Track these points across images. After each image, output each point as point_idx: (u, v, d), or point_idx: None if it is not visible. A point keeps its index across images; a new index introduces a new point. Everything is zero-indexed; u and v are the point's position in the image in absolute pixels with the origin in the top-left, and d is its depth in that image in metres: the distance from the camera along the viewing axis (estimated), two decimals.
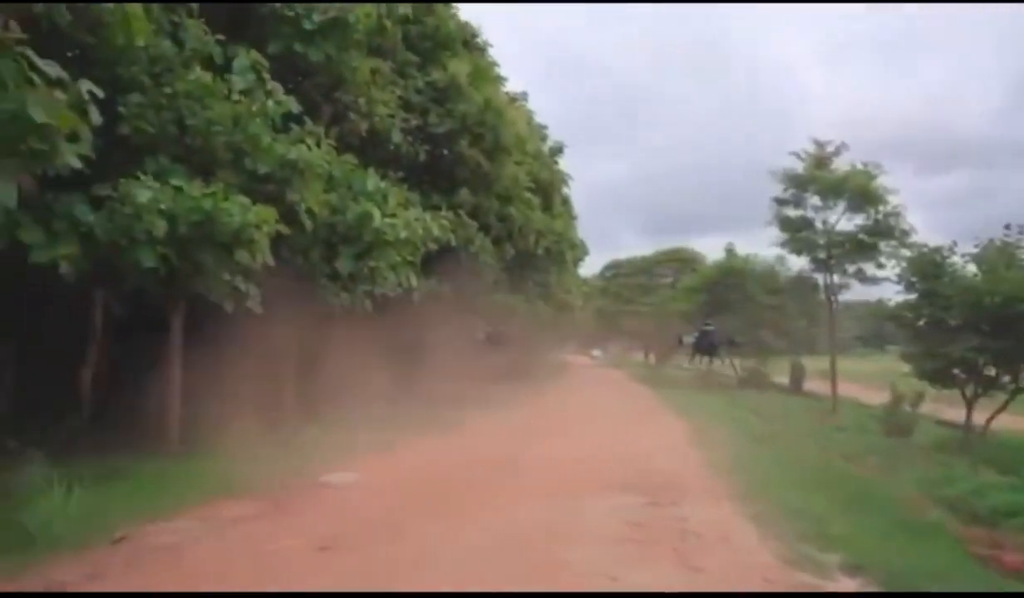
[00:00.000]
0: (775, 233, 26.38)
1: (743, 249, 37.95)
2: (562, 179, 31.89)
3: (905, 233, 23.39)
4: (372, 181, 12.19)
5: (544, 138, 30.89)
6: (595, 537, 6.61)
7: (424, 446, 11.96)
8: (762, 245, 31.52)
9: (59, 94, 5.78)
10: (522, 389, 26.36)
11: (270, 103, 10.08)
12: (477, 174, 19.32)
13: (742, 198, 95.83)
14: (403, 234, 12.23)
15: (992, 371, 15.38)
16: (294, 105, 10.55)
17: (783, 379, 32.89)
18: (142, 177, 8.19)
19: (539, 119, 29.93)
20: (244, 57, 10.35)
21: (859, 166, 24.27)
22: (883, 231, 23.76)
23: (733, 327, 32.36)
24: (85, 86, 6.15)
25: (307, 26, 11.70)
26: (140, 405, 10.19)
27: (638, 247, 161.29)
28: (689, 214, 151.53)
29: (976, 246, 15.74)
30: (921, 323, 16.59)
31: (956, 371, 15.68)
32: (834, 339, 27.69)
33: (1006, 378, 15.31)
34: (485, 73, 20.54)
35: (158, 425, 9.69)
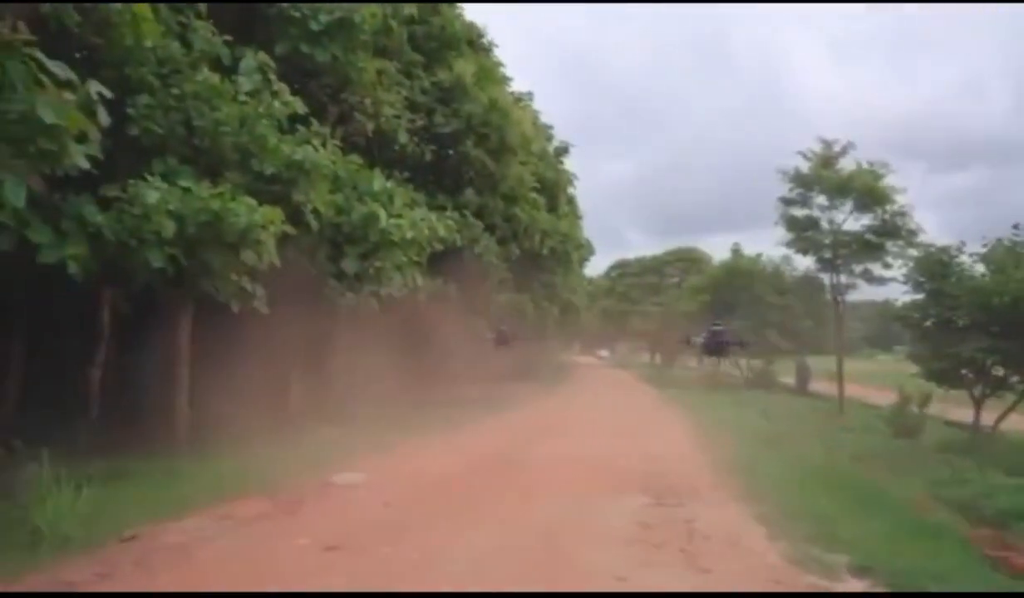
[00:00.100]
0: (781, 233, 26.24)
1: (749, 249, 37.85)
2: (567, 179, 31.90)
3: (912, 233, 23.22)
4: (378, 181, 12.22)
5: (550, 138, 30.90)
6: (603, 538, 6.61)
7: (430, 446, 11.97)
8: (768, 245, 31.46)
9: (68, 95, 5.82)
10: (528, 390, 26.38)
11: (277, 104, 10.12)
12: (482, 174, 19.35)
13: (748, 197, 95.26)
14: (409, 234, 12.25)
15: (1000, 371, 15.28)
16: (300, 106, 10.58)
17: (789, 380, 32.80)
18: (150, 178, 8.24)
19: (545, 119, 30.02)
20: (251, 58, 10.39)
21: (866, 165, 24.15)
22: (890, 231, 23.60)
23: (739, 327, 32.27)
24: (94, 87, 6.18)
25: (313, 27, 11.75)
26: (148, 404, 10.25)
27: (644, 247, 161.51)
28: (695, 213, 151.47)
29: (984, 246, 15.64)
30: (928, 323, 16.48)
31: (964, 371, 15.57)
32: (841, 339, 27.53)
33: (1015, 378, 15.21)
34: (490, 73, 20.57)
35: (166, 424, 9.73)
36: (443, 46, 18.78)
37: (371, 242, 11.81)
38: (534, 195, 23.86)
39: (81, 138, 6.07)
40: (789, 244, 26.43)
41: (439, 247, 14.29)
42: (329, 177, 11.00)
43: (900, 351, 35.41)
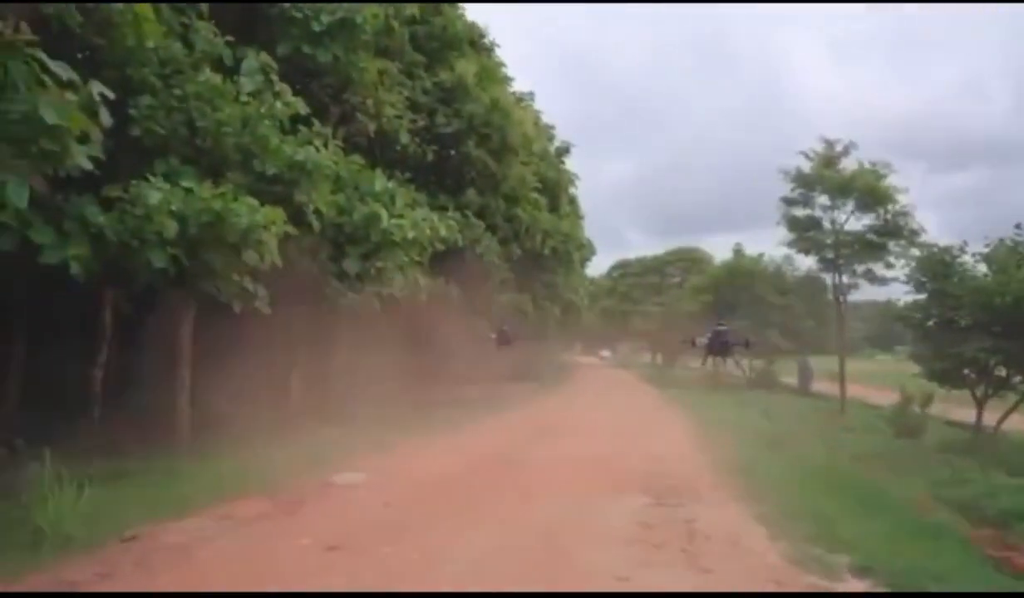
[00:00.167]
0: (783, 233, 26.28)
1: (751, 249, 37.87)
2: (569, 179, 31.89)
3: (914, 233, 23.22)
4: (379, 182, 12.23)
5: (551, 138, 30.89)
6: (604, 538, 6.61)
7: (431, 446, 11.98)
8: (770, 245, 31.45)
9: (70, 96, 5.83)
10: (529, 390, 26.40)
11: (278, 104, 10.13)
12: (484, 174, 19.36)
13: (749, 197, 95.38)
14: (410, 234, 12.25)
15: (1003, 372, 15.25)
16: (302, 106, 10.60)
17: (791, 380, 32.77)
18: (152, 178, 8.25)
19: (546, 119, 29.98)
20: (253, 59, 10.40)
21: (867, 165, 24.14)
22: (892, 231, 23.60)
23: (741, 327, 32.27)
24: (96, 88, 6.19)
25: (315, 27, 11.76)
26: (150, 404, 10.27)
27: (645, 247, 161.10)
28: (696, 213, 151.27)
29: (986, 246, 15.61)
30: (930, 323, 16.45)
31: (966, 372, 15.55)
32: (842, 339, 27.52)
33: (1017, 379, 15.18)
34: (492, 73, 20.57)
35: (168, 424, 9.74)
36: (445, 46, 18.80)
37: (373, 242, 11.82)
38: (536, 195, 23.87)
39: (83, 139, 6.09)
40: (791, 244, 26.48)
41: (441, 247, 14.30)
42: (331, 177, 11.02)
43: (902, 351, 35.34)
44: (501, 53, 22.81)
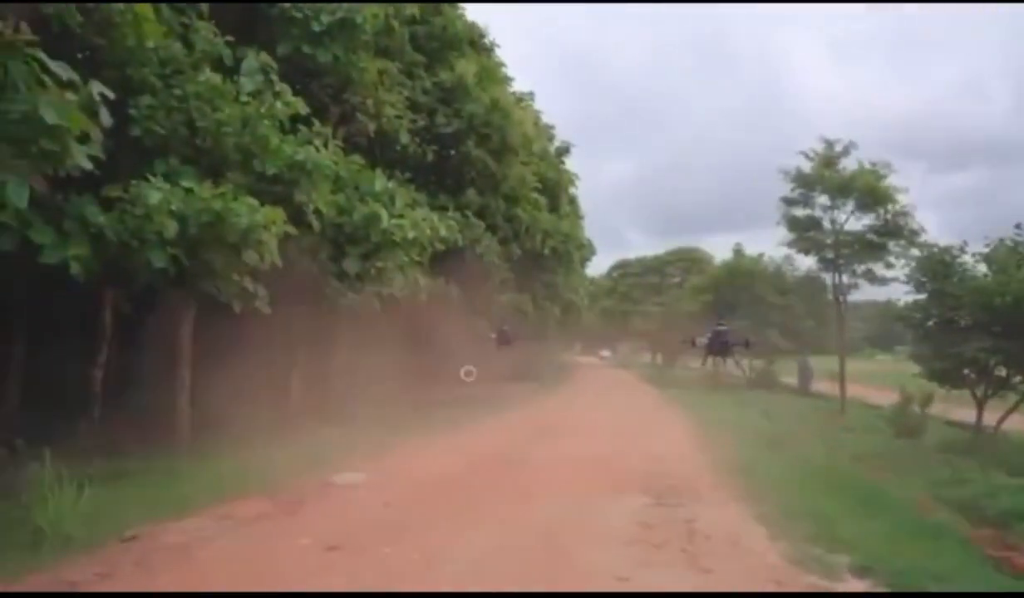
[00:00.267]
0: (783, 233, 26.30)
1: (751, 249, 37.86)
2: (569, 179, 31.86)
3: (914, 233, 23.24)
4: (379, 182, 12.23)
5: (551, 138, 30.88)
6: (604, 538, 6.61)
7: (431, 446, 11.98)
8: (770, 245, 31.48)
9: (70, 96, 5.84)
10: (529, 389, 26.40)
11: (278, 104, 10.13)
12: (484, 174, 19.36)
13: (749, 197, 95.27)
14: (410, 234, 12.26)
15: (1003, 372, 15.25)
16: (302, 106, 10.60)
17: (791, 380, 32.76)
18: (152, 178, 8.25)
19: (546, 119, 29.94)
20: (253, 59, 10.41)
21: (867, 165, 24.15)
22: (892, 231, 23.61)
23: (741, 327, 32.27)
24: (96, 88, 6.20)
25: (315, 27, 11.76)
26: (150, 404, 10.27)
27: (645, 247, 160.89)
28: (696, 213, 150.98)
29: (986, 246, 15.62)
30: (930, 323, 16.45)
31: (966, 372, 15.55)
32: (842, 339, 27.51)
33: (1017, 379, 15.18)
34: (492, 73, 20.57)
35: (168, 424, 9.75)
36: (445, 46, 18.80)
37: (373, 242, 11.82)
38: (536, 195, 23.86)
39: (83, 139, 6.09)
40: (791, 244, 26.51)
41: (441, 247, 14.30)
42: (331, 177, 11.02)
43: (902, 351, 35.32)
44: (501, 53, 22.83)
